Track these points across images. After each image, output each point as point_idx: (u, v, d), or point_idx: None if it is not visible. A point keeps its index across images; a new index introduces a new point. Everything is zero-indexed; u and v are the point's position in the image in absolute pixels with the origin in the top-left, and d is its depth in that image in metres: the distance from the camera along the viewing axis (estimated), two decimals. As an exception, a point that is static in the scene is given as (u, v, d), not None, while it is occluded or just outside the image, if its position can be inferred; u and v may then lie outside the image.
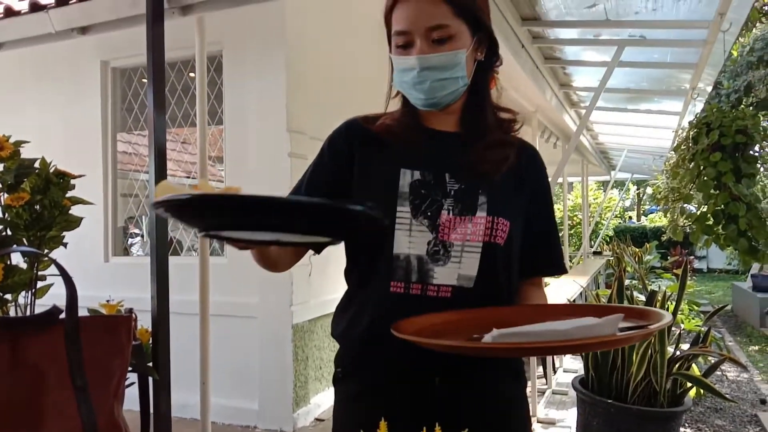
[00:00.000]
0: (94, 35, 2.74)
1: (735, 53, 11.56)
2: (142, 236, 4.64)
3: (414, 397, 1.06)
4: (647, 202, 23.71)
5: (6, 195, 1.52)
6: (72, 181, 1.63)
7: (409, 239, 1.06)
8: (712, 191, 3.10)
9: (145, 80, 4.29)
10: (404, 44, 1.08)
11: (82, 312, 1.19)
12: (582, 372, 3.24)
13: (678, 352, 3.05)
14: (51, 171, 1.59)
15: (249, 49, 3.93)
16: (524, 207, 1.15)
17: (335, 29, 4.19)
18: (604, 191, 13.67)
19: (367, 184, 1.13)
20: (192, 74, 4.19)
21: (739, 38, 11.07)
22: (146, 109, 1.87)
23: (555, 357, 5.34)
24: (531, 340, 0.83)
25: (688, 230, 3.44)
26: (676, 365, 2.96)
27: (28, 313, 1.49)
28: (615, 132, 7.17)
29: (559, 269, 1.23)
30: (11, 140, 1.55)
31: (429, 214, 1.07)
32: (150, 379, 1.46)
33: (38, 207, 1.56)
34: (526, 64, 3.68)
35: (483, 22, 1.13)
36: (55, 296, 1.25)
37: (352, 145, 1.16)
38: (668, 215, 3.58)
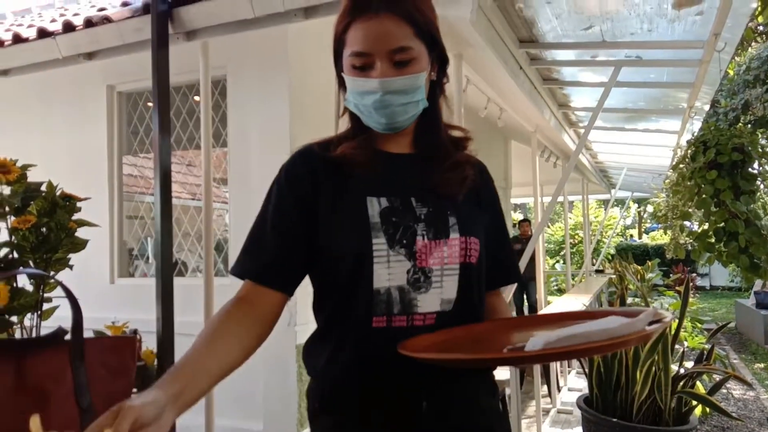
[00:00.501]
0: (100, 60, 2.78)
1: (731, 72, 11.64)
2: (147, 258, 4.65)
3: (401, 423, 1.03)
4: (648, 220, 23.70)
5: (13, 218, 1.54)
6: (78, 204, 1.66)
7: (388, 271, 1.02)
8: (712, 209, 3.12)
9: (150, 104, 4.34)
10: (362, 66, 1.05)
11: (88, 333, 1.20)
12: (586, 391, 3.23)
13: (682, 370, 3.04)
14: (57, 194, 1.62)
15: (252, 73, 3.98)
16: (484, 222, 1.16)
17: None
18: (605, 210, 13.68)
19: (335, 219, 1.06)
20: (197, 98, 4.24)
21: (735, 57, 11.17)
22: (152, 132, 1.90)
23: (559, 375, 5.31)
24: (581, 341, 0.82)
25: (690, 248, 3.45)
26: (681, 383, 2.95)
27: (33, 335, 1.50)
28: (614, 151, 7.19)
29: (516, 277, 1.25)
30: (18, 164, 1.58)
31: (404, 242, 1.03)
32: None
33: (45, 229, 1.58)
34: (525, 85, 3.72)
35: (438, 41, 1.11)
36: (61, 318, 1.26)
37: (314, 179, 1.10)
38: (669, 233, 3.60)
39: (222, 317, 1.03)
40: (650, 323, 0.88)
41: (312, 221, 1.07)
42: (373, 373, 1.03)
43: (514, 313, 1.26)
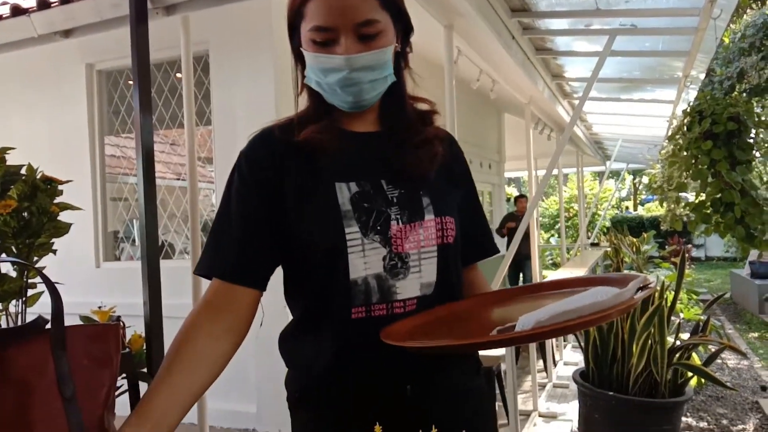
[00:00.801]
0: (77, 38, 2.70)
1: (727, 40, 11.57)
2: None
3: (385, 410, 0.98)
4: (643, 192, 23.76)
5: (-8, 203, 1.49)
6: (60, 187, 1.61)
7: (364, 260, 0.97)
8: (708, 179, 3.08)
9: (131, 82, 4.26)
10: (324, 41, 0.97)
11: (74, 319, 1.16)
12: (582, 365, 3.23)
13: (678, 342, 3.03)
14: (38, 177, 1.57)
15: (236, 47, 3.89)
16: (458, 199, 1.11)
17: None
18: (600, 182, 13.68)
19: (304, 209, 1.00)
20: (179, 75, 4.16)
21: (731, 25, 11.09)
22: (133, 112, 1.84)
23: (555, 349, 5.33)
24: (572, 317, 0.79)
25: (686, 219, 3.42)
26: (677, 355, 2.95)
27: (19, 322, 1.46)
28: (609, 122, 7.16)
29: (492, 251, 1.22)
30: (-5, 147, 1.52)
31: (379, 228, 0.98)
32: (144, 383, 1.43)
33: (26, 214, 1.53)
34: (517, 56, 3.65)
35: (404, 11, 1.05)
36: (47, 304, 1.22)
37: (277, 164, 1.03)
38: (665, 205, 3.57)
39: (189, 333, 0.97)
40: (638, 290, 0.86)
41: (277, 209, 1.01)
42: (354, 363, 0.99)
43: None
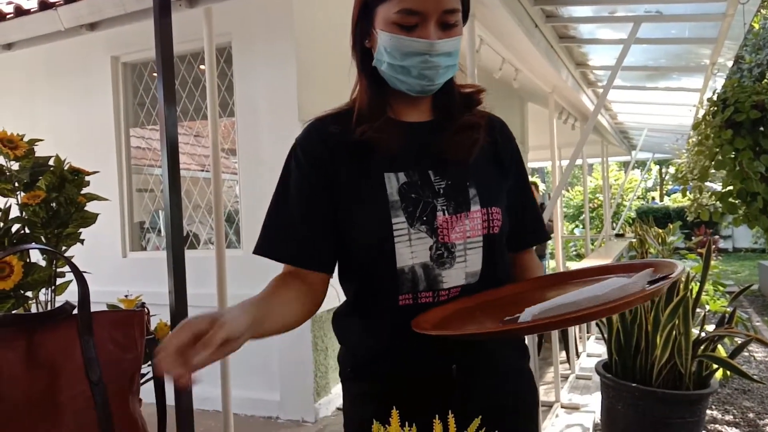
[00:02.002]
0: (103, 31, 2.74)
1: (756, 26, 11.27)
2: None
3: (431, 388, 1.04)
4: (670, 183, 23.36)
5: (22, 194, 1.53)
6: (87, 178, 1.64)
7: (411, 250, 1.01)
8: (733, 169, 3.02)
9: (155, 74, 4.32)
10: (411, 25, 1.00)
11: (101, 308, 1.20)
12: (605, 356, 3.21)
13: (703, 334, 2.99)
14: (65, 168, 1.60)
15: (258, 39, 3.91)
16: (507, 186, 1.14)
17: (343, 16, 4.15)
18: (626, 172, 13.49)
19: (354, 198, 1.05)
20: (202, 66, 4.19)
21: (761, 10, 10.80)
22: (158, 104, 1.87)
23: (578, 341, 5.29)
24: (571, 310, 0.82)
25: (712, 210, 3.37)
26: (702, 347, 2.91)
27: (48, 309, 1.50)
28: (634, 111, 7.05)
29: (544, 236, 1.24)
30: (25, 139, 1.56)
31: (425, 218, 1.02)
32: (169, 373, 1.47)
33: (54, 205, 1.57)
34: (540, 44, 3.61)
35: (468, 3, 1.10)
36: (75, 293, 1.26)
37: (330, 154, 1.07)
38: (690, 195, 3.51)
39: (279, 282, 1.05)
40: (655, 280, 0.87)
41: (332, 196, 1.06)
42: (401, 346, 1.04)
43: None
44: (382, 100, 1.09)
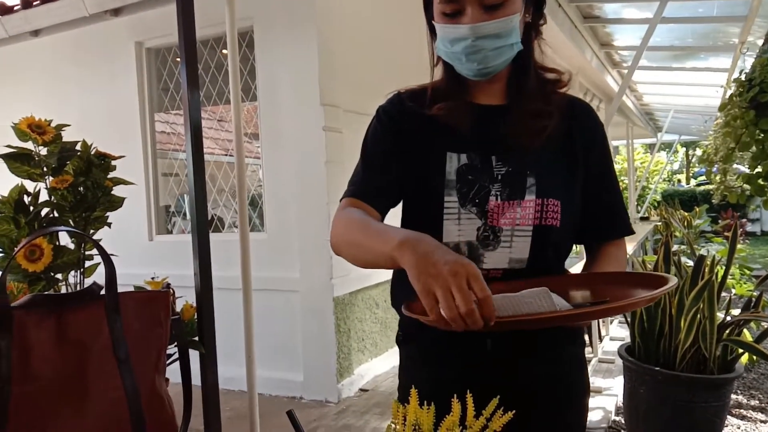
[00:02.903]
0: (126, 16, 2.77)
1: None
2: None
3: (468, 358, 1.09)
4: (696, 165, 22.94)
5: (51, 178, 1.56)
6: (113, 162, 1.67)
7: (458, 228, 1.05)
8: (757, 150, 2.96)
9: (178, 59, 4.36)
10: (452, 12, 1.02)
11: (128, 289, 1.22)
12: (628, 340, 3.19)
13: (729, 318, 2.96)
14: (92, 153, 1.63)
15: (279, 23, 3.91)
16: (579, 178, 1.11)
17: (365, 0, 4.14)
18: (651, 154, 13.28)
19: (415, 171, 1.10)
20: (224, 51, 4.21)
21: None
22: (181, 88, 1.88)
23: (601, 324, 5.27)
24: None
25: (739, 192, 3.31)
26: (727, 331, 2.88)
27: (77, 291, 1.54)
28: (660, 92, 6.93)
29: (620, 231, 1.18)
30: (53, 124, 1.59)
31: (477, 201, 1.05)
32: (196, 352, 1.50)
33: (82, 189, 1.60)
34: (564, 24, 3.56)
35: None
36: (103, 275, 1.29)
37: (405, 126, 1.13)
38: (716, 177, 3.45)
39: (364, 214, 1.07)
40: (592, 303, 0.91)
41: (402, 159, 1.11)
42: None
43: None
44: (458, 83, 1.12)
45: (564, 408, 1.15)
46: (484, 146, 1.08)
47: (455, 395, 0.74)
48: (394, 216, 1.19)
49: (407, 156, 1.11)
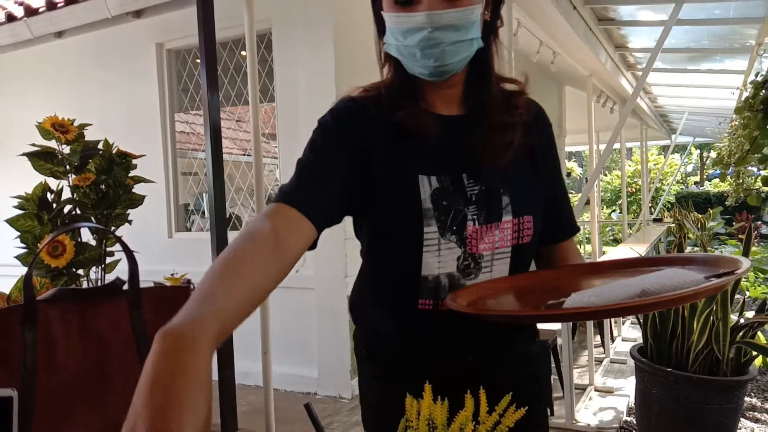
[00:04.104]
0: (148, 18, 2.82)
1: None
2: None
3: (444, 376, 0.94)
4: (711, 167, 22.72)
5: (73, 176, 1.60)
6: (134, 161, 1.71)
7: (438, 260, 0.96)
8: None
9: (198, 60, 4.41)
10: (405, 0, 0.90)
11: (148, 285, 1.25)
12: (641, 341, 3.19)
13: (742, 320, 2.95)
14: (114, 152, 1.67)
15: (297, 25, 3.96)
16: (542, 187, 1.06)
17: (382, 0, 4.15)
18: (665, 156, 13.17)
19: (386, 196, 0.97)
20: (243, 53, 4.26)
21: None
22: (201, 89, 1.93)
23: (613, 325, 5.26)
24: (632, 297, 0.76)
25: (755, 194, 3.29)
26: (740, 333, 2.87)
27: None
28: (675, 94, 6.88)
29: (573, 230, 1.16)
30: (76, 124, 1.63)
31: (455, 228, 0.96)
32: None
33: (103, 186, 1.64)
34: (579, 26, 3.57)
35: None
36: (124, 271, 1.32)
37: (366, 133, 0.98)
38: (730, 180, 3.44)
39: (248, 245, 0.77)
40: (715, 276, 0.79)
41: (362, 170, 0.96)
42: (416, 342, 1.03)
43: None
44: (409, 86, 1.00)
45: (542, 403, 1.16)
46: (453, 164, 0.98)
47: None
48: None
49: (367, 173, 0.96)
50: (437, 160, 0.98)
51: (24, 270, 1.28)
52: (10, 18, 4.31)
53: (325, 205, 0.92)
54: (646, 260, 1.09)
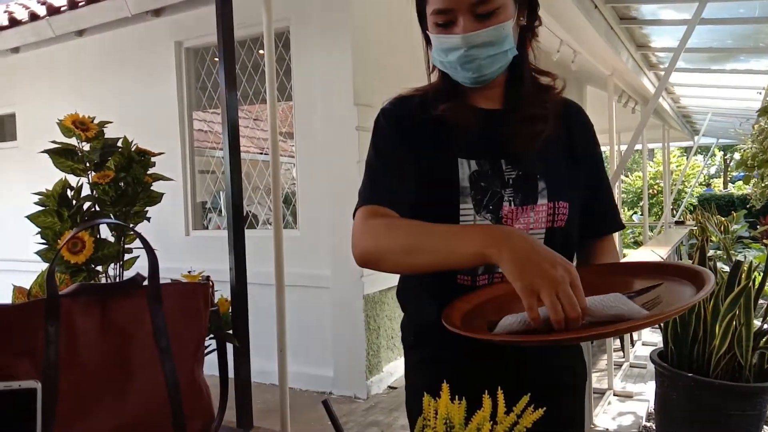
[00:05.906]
0: (167, 17, 2.84)
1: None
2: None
3: (487, 363, 1.05)
4: (734, 169, 22.37)
5: (93, 173, 1.61)
6: (152, 159, 1.72)
7: None
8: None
9: (216, 59, 4.44)
10: (445, 22, 1.03)
11: (166, 282, 1.26)
12: (661, 345, 3.15)
13: (766, 325, 2.90)
14: (132, 149, 1.68)
15: (314, 24, 3.96)
16: (581, 178, 1.13)
17: (399, 1, 4.15)
18: (688, 157, 13.01)
19: (427, 177, 1.08)
20: (261, 51, 4.28)
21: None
22: (219, 88, 1.93)
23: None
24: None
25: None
26: (764, 339, 2.82)
27: (117, 283, 1.59)
28: (698, 94, 6.78)
29: (616, 226, 1.22)
30: (95, 121, 1.64)
31: (491, 207, 1.05)
32: (230, 346, 1.53)
33: (122, 184, 1.65)
34: (600, 26, 3.53)
35: None
36: (142, 268, 1.33)
37: (413, 127, 1.11)
38: (753, 181, 3.38)
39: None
40: (635, 292, 0.86)
41: (414, 164, 1.08)
42: None
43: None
44: (452, 84, 1.11)
45: (580, 397, 1.21)
46: (492, 151, 1.08)
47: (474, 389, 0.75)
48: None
49: (416, 160, 1.09)
50: (477, 147, 1.08)
51: (41, 266, 1.28)
52: (33, 17, 4.38)
53: (407, 198, 1.07)
54: (620, 266, 1.13)
